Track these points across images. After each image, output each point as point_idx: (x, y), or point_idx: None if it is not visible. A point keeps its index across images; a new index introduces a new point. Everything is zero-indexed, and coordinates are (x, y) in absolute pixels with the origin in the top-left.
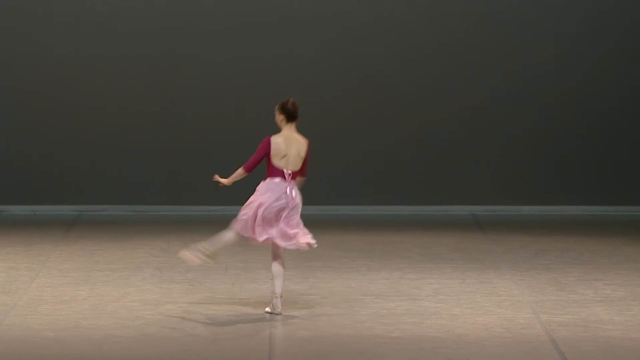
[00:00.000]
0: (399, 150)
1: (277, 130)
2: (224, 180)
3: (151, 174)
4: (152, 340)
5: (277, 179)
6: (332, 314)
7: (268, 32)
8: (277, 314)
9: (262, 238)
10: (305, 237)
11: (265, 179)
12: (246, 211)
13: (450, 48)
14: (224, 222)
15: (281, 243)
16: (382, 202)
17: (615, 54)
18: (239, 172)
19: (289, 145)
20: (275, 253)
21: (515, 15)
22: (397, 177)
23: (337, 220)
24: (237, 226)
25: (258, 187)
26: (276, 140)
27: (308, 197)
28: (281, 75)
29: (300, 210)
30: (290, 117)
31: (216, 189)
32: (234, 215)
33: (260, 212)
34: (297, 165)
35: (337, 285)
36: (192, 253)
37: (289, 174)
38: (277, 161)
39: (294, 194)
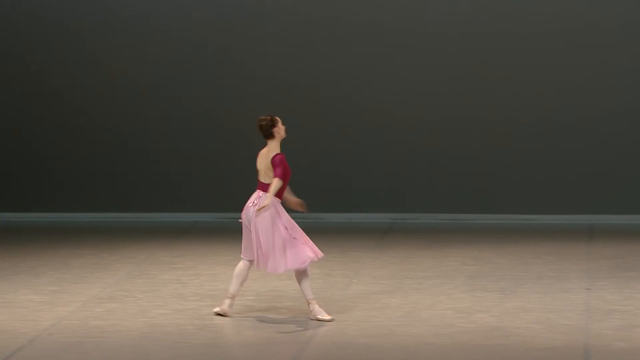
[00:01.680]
0: None
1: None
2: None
3: (464, 181)
4: (464, 348)
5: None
6: None
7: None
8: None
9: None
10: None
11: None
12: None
13: None
14: (536, 233)
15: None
16: None
17: None
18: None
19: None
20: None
21: None
22: None
23: None
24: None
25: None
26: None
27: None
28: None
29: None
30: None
31: (527, 195)
32: (546, 225)
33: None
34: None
35: None
36: None
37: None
38: None
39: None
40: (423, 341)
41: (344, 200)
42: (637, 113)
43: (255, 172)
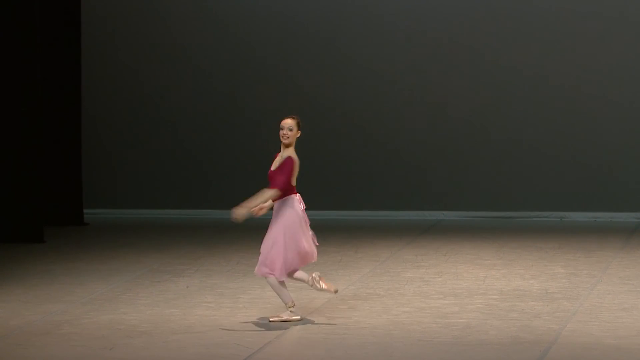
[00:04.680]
0: None
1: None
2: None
3: None
4: None
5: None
6: None
7: None
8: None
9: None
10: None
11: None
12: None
13: None
14: None
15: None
16: None
17: None
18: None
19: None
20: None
21: None
22: None
23: None
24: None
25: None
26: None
27: None
28: None
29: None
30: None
31: None
32: None
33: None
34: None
35: None
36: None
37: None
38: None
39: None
40: None
41: (589, 199)
42: None
43: None
